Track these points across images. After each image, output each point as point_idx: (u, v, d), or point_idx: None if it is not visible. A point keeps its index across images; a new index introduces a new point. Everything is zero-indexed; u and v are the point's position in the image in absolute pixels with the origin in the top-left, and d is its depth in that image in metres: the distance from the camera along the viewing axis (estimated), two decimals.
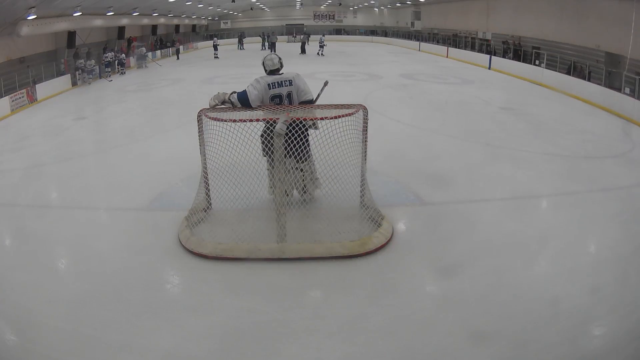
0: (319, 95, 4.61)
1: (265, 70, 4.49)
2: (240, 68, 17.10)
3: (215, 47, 23.73)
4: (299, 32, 28.37)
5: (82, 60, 15.79)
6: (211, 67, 19.06)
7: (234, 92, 4.34)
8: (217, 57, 22.59)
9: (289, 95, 4.43)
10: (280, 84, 4.38)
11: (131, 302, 3.36)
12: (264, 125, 4.16)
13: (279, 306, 3.29)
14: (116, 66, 17.28)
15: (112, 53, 17.43)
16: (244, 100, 4.27)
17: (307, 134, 4.17)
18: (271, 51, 22.63)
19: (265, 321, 3.14)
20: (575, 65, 13.04)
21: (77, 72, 15.26)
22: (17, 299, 3.43)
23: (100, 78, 15.96)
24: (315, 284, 3.64)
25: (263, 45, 27.23)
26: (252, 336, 3.00)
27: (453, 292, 3.45)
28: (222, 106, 4.32)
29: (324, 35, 24.95)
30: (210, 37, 33.53)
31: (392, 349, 2.88)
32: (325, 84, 4.62)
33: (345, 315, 3.19)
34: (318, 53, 23.15)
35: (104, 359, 2.84)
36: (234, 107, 4.28)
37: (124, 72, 17.30)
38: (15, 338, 3.09)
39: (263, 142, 4.20)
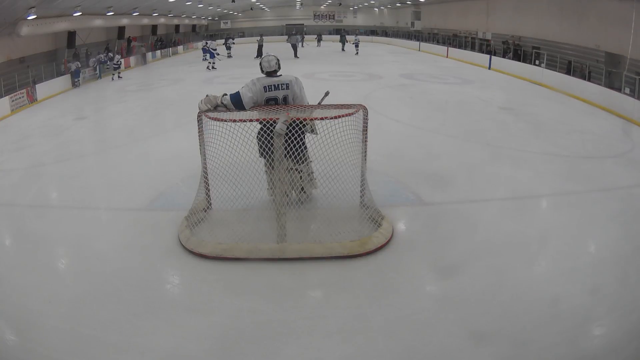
0: (319, 104, 4.58)
1: (262, 71, 4.43)
2: (240, 68, 17.11)
3: (228, 47, 23.12)
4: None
5: (102, 55, 15.98)
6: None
7: (225, 95, 4.24)
8: (230, 57, 22.46)
9: (285, 98, 4.38)
10: (276, 87, 4.33)
11: (131, 302, 3.35)
12: (260, 125, 4.14)
13: (279, 306, 3.29)
14: (111, 68, 17.20)
15: (102, 55, 17.37)
16: (237, 103, 4.19)
17: (304, 135, 4.14)
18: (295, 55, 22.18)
19: (265, 321, 3.14)
20: (574, 65, 13.05)
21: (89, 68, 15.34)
22: (17, 299, 3.42)
23: (76, 86, 15.10)
24: (315, 284, 3.63)
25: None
26: (252, 336, 3.00)
27: (453, 292, 3.45)
28: (215, 111, 4.20)
29: (357, 35, 25.22)
30: (211, 37, 33.56)
31: (392, 349, 2.88)
32: (326, 94, 4.58)
33: (345, 315, 3.19)
34: (356, 52, 23.17)
35: (104, 359, 2.84)
36: (227, 109, 4.20)
37: (120, 77, 16.88)
38: (15, 338, 3.09)
39: (260, 143, 4.18)
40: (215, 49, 18.89)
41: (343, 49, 25.53)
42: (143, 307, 3.30)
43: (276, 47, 19.65)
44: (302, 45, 26.97)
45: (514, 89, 13.29)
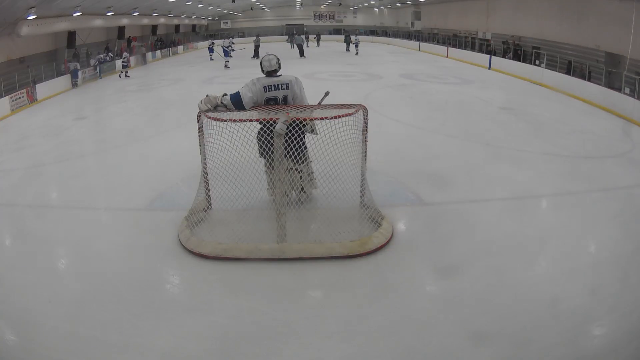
0: (319, 104, 4.58)
1: (263, 71, 4.43)
2: (240, 68, 17.12)
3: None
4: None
5: (102, 55, 15.96)
6: (211, 67, 19.06)
7: (225, 94, 4.24)
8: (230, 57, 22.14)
9: (285, 99, 4.38)
10: (276, 87, 4.33)
11: (131, 302, 3.35)
12: (260, 125, 4.14)
13: (279, 306, 3.29)
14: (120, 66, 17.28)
15: (102, 55, 17.44)
16: (237, 103, 4.20)
17: (304, 135, 4.14)
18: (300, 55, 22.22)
19: (265, 321, 3.14)
20: (573, 64, 13.05)
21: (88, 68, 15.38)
22: (17, 299, 3.42)
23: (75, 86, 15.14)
24: (315, 284, 3.64)
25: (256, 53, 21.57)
26: (252, 336, 3.00)
27: (453, 292, 3.45)
28: (215, 110, 4.21)
29: (357, 35, 24.98)
30: (212, 37, 33.49)
31: (392, 349, 2.88)
32: (326, 94, 4.57)
33: (345, 315, 3.19)
34: (348, 50, 23.05)
35: (104, 359, 2.84)
36: (227, 109, 4.20)
37: (128, 75, 17.07)
38: (15, 338, 3.09)
39: (260, 143, 4.18)
40: (229, 47, 19.28)
41: (348, 49, 24.88)
42: (143, 307, 3.30)
43: (275, 47, 19.83)
44: (307, 45, 27.06)
45: (514, 89, 13.29)
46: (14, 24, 12.82)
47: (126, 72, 17.07)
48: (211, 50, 21.69)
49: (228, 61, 18.44)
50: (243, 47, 21.51)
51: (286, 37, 31.50)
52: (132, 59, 20.27)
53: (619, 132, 8.60)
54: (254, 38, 23.11)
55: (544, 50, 14.69)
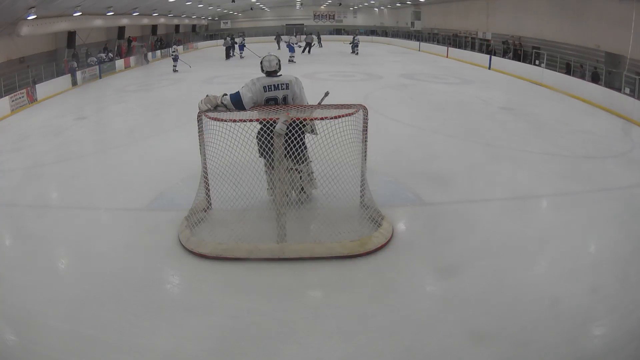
0: (319, 104, 4.58)
1: (263, 71, 4.44)
2: (241, 68, 17.12)
3: (233, 47, 22.20)
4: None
5: (102, 55, 16.13)
6: (211, 67, 19.06)
7: (225, 95, 4.25)
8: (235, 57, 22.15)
9: (285, 99, 4.39)
10: (276, 87, 4.34)
11: (131, 302, 3.35)
12: (260, 125, 4.14)
13: (279, 306, 3.29)
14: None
15: (102, 55, 17.50)
16: (237, 103, 4.21)
17: (304, 135, 4.14)
18: (305, 51, 22.85)
19: (265, 321, 3.14)
20: (572, 65, 13.04)
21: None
22: (17, 299, 3.42)
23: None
24: (315, 284, 3.64)
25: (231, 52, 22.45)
26: (252, 336, 3.00)
27: (453, 292, 3.45)
28: (215, 110, 4.21)
29: (356, 35, 24.76)
30: (211, 37, 33.45)
31: (392, 349, 2.88)
32: (326, 94, 4.57)
33: (345, 315, 3.19)
34: (354, 52, 23.06)
35: (103, 359, 2.84)
36: (227, 109, 4.21)
37: (177, 70, 17.18)
38: (15, 338, 3.09)
39: (260, 143, 4.18)
40: (296, 43, 20.40)
41: (353, 51, 23.32)
42: (143, 307, 3.30)
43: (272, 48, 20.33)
44: (321, 45, 27.17)
45: (514, 89, 13.29)
46: (14, 24, 12.82)
47: (175, 65, 17.10)
48: (241, 47, 21.90)
49: (293, 56, 19.32)
50: (300, 44, 22.67)
51: (274, 36, 31.00)
52: (132, 59, 20.27)
53: (619, 132, 8.61)
54: (229, 38, 22.91)
55: (544, 50, 14.68)
